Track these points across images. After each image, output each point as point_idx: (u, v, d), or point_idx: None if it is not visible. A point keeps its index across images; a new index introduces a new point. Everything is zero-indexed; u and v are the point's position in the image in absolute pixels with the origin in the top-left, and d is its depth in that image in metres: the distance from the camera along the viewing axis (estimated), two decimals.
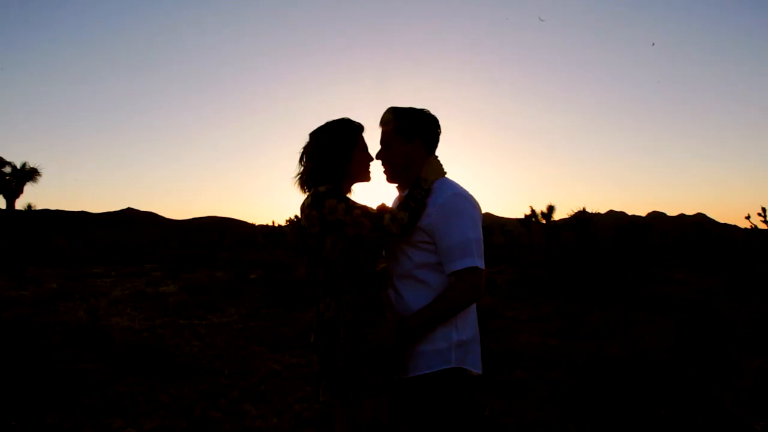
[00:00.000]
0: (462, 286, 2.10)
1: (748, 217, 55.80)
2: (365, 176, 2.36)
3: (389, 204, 2.44)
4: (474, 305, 2.25)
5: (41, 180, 29.83)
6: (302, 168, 2.32)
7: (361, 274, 2.20)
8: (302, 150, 2.33)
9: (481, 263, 2.11)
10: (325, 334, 2.16)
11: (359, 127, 2.32)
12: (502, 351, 6.47)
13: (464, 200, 2.18)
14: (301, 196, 2.31)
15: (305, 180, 2.30)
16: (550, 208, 29.49)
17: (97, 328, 7.42)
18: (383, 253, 2.39)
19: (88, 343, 6.90)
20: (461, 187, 2.23)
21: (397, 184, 2.41)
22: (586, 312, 9.43)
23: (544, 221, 28.90)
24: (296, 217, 41.87)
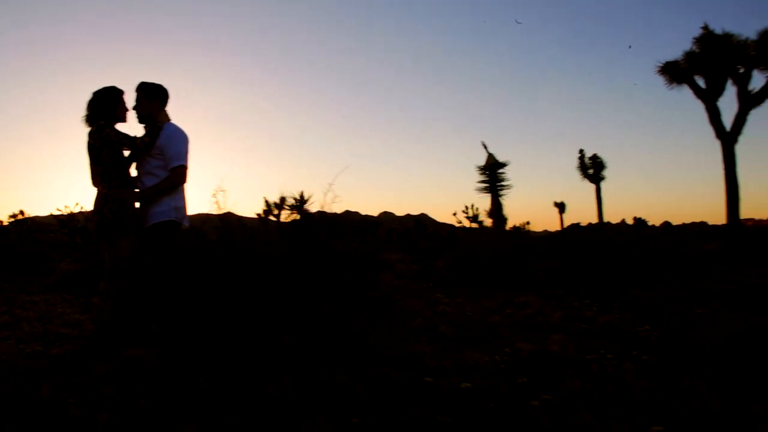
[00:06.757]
0: (175, 175, 3.98)
1: (455, 214, 66.46)
2: (124, 119, 4.10)
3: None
4: (182, 188, 4.08)
5: None
6: (87, 112, 3.96)
7: (122, 170, 4.02)
8: (88, 102, 3.96)
9: (186, 163, 4.01)
10: (101, 203, 3.84)
11: (121, 91, 4.06)
12: None
13: (180, 132, 4.07)
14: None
15: (89, 118, 3.95)
16: (283, 200, 31.27)
17: None
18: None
19: None
20: (179, 126, 4.11)
21: (144, 125, 4.13)
22: None
23: (276, 211, 30.86)
24: None
